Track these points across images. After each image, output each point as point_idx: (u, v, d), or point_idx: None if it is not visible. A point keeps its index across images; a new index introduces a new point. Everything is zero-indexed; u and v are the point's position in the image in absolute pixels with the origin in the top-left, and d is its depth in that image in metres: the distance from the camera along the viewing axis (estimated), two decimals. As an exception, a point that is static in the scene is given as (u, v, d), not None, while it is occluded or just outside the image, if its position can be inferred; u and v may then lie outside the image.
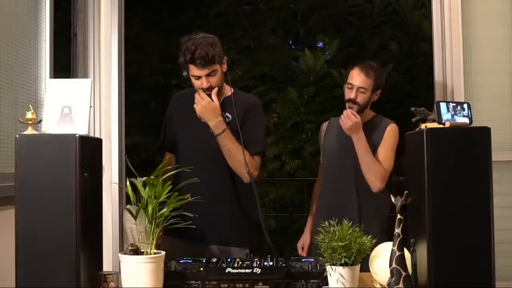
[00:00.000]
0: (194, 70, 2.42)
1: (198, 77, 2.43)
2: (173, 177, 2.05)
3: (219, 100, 2.48)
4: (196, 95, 2.46)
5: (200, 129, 2.49)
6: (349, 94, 2.75)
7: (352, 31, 7.46)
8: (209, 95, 2.44)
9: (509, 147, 2.91)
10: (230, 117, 2.50)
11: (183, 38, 2.47)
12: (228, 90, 2.58)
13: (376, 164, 2.67)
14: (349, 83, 2.77)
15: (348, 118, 2.68)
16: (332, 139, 2.89)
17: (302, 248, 2.99)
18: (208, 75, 2.42)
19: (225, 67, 2.50)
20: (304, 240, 2.97)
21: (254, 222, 2.53)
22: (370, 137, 2.75)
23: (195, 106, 2.45)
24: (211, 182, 2.41)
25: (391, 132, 2.77)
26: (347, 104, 2.77)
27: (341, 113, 2.83)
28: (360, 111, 2.75)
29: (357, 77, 2.75)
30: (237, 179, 2.47)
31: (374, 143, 2.76)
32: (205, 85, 2.43)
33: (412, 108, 1.88)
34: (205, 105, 2.43)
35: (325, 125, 2.99)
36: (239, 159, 2.41)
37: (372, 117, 2.86)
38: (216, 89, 2.44)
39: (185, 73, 2.49)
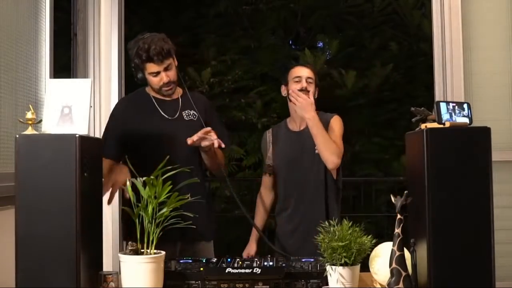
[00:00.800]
0: (151, 67, 2.46)
1: (156, 74, 2.47)
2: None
3: (177, 98, 2.57)
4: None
5: (169, 129, 2.50)
6: (299, 85, 2.78)
7: (352, 31, 7.46)
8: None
9: (509, 147, 2.91)
10: (197, 115, 2.54)
11: (130, 43, 2.53)
12: (180, 89, 2.62)
13: (331, 142, 2.65)
14: (296, 77, 2.81)
15: (299, 96, 2.70)
16: (282, 147, 2.85)
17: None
18: (166, 69, 2.47)
19: (176, 62, 2.54)
20: (250, 250, 2.91)
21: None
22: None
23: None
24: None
25: (335, 121, 2.80)
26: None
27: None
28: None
29: (302, 70, 2.84)
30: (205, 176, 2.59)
31: None
32: (165, 79, 2.47)
33: (412, 108, 1.88)
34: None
35: (269, 134, 2.94)
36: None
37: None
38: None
39: (140, 75, 2.52)
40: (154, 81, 2.49)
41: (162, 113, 2.53)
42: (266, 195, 2.95)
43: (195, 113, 2.55)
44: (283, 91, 2.90)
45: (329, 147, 2.65)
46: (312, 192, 2.74)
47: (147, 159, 2.25)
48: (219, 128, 2.53)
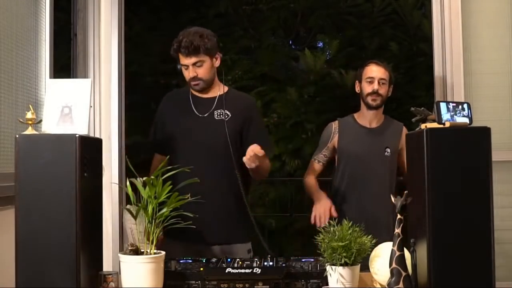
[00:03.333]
0: (182, 59, 2.50)
1: (187, 67, 2.50)
2: (171, 177, 2.04)
3: (214, 97, 2.54)
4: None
5: (198, 127, 2.51)
6: (371, 87, 2.84)
7: (352, 31, 7.46)
8: None
9: (509, 147, 2.91)
10: (230, 115, 2.51)
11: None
12: (223, 88, 2.60)
13: None
14: (368, 77, 2.86)
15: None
16: (352, 142, 2.90)
17: (318, 218, 2.77)
18: (194, 65, 2.48)
19: (217, 62, 2.54)
20: (325, 206, 2.79)
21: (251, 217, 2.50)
22: (389, 139, 2.86)
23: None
24: (213, 181, 2.42)
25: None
26: (370, 97, 2.85)
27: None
28: (382, 104, 2.88)
29: (376, 70, 2.87)
30: (236, 176, 2.45)
31: (394, 144, 2.86)
32: (191, 74, 2.49)
33: (412, 108, 1.88)
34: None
35: (335, 125, 2.98)
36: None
37: (385, 118, 2.95)
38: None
39: (178, 66, 2.55)
40: (185, 74, 2.53)
41: (194, 110, 2.55)
42: (312, 180, 2.95)
43: (228, 113, 2.52)
44: (357, 88, 2.96)
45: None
46: (376, 192, 2.79)
47: (178, 154, 2.39)
48: (256, 130, 2.54)
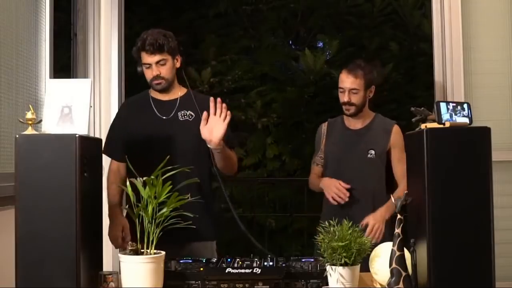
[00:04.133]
0: (145, 58, 2.50)
1: (149, 66, 2.50)
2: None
3: (175, 99, 2.57)
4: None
5: (163, 129, 2.51)
6: (343, 97, 2.79)
7: (352, 31, 7.45)
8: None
9: (509, 147, 2.91)
10: (194, 115, 2.53)
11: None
12: (182, 90, 2.62)
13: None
14: (340, 88, 2.81)
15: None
16: (335, 143, 2.88)
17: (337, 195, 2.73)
18: (158, 63, 2.49)
19: (178, 63, 2.56)
20: (333, 183, 2.75)
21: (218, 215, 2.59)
22: (375, 140, 2.80)
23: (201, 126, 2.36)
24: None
25: (397, 133, 2.81)
26: (344, 107, 2.81)
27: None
28: (358, 111, 2.81)
29: (346, 80, 2.80)
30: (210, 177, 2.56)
31: (381, 144, 2.80)
32: (154, 72, 2.50)
33: (412, 108, 1.88)
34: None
35: (324, 127, 2.96)
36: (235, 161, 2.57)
37: (374, 118, 2.89)
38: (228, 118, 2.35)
39: (139, 69, 2.56)
40: (147, 73, 2.53)
41: (157, 113, 2.55)
42: (314, 177, 2.93)
43: (192, 113, 2.55)
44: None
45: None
46: (358, 194, 2.74)
47: (142, 158, 2.29)
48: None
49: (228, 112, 2.34)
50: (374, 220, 2.68)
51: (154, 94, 2.60)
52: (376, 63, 3.05)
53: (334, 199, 2.72)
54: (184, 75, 2.60)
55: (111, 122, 2.89)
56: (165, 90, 2.56)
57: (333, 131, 2.92)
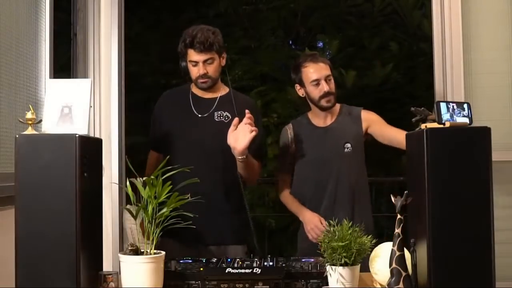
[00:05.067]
0: (192, 55, 2.46)
1: (196, 63, 2.47)
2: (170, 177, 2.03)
3: (215, 98, 2.53)
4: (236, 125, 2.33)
5: (197, 128, 2.50)
6: (319, 89, 2.64)
7: (352, 31, 7.45)
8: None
9: (509, 147, 2.91)
10: (230, 117, 2.49)
11: (186, 30, 2.51)
12: (224, 89, 2.59)
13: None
14: (313, 80, 2.65)
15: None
16: (307, 145, 2.71)
17: (314, 232, 2.62)
18: (205, 62, 2.46)
19: (223, 61, 2.53)
20: (314, 221, 2.63)
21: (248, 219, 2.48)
22: (349, 131, 2.68)
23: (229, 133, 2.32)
24: (210, 181, 2.41)
25: (367, 114, 2.72)
26: (324, 100, 2.65)
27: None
28: (336, 101, 2.70)
29: (317, 69, 2.65)
30: (235, 177, 2.45)
31: (355, 134, 2.68)
32: (201, 71, 2.46)
33: (412, 108, 1.87)
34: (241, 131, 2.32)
35: (289, 130, 2.77)
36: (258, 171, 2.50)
37: (340, 111, 2.76)
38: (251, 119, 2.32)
39: (183, 64, 2.52)
40: (193, 71, 2.49)
41: (194, 110, 2.53)
42: (288, 195, 2.76)
43: (229, 115, 2.50)
44: (300, 92, 2.76)
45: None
46: (343, 194, 2.63)
47: (172, 155, 2.29)
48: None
49: (255, 128, 2.29)
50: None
51: (196, 90, 2.57)
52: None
53: (312, 236, 2.62)
54: (227, 74, 2.57)
55: (111, 122, 2.90)
56: (209, 88, 2.53)
57: (300, 133, 2.74)
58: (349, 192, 2.67)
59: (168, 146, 2.51)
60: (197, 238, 2.40)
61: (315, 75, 2.66)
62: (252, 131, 2.28)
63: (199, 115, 2.53)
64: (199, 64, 2.46)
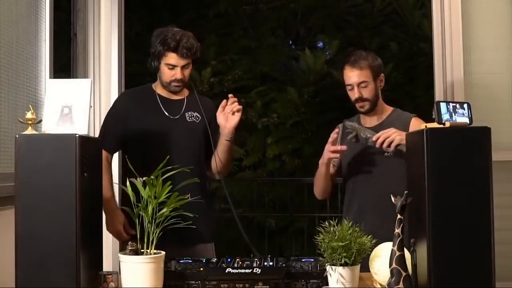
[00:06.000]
0: (172, 59, 2.44)
1: (173, 67, 2.46)
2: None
3: (182, 99, 2.58)
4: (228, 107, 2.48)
5: (171, 128, 2.49)
6: (353, 94, 2.56)
7: (352, 31, 7.47)
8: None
9: (509, 147, 2.91)
10: (200, 117, 2.54)
11: (157, 30, 2.51)
12: (187, 90, 2.61)
13: None
14: (348, 85, 2.57)
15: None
16: (350, 145, 2.56)
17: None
18: (183, 67, 2.47)
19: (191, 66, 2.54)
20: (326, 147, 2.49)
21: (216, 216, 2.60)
22: None
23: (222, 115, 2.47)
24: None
25: (418, 122, 2.52)
26: (357, 105, 2.58)
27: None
28: (373, 106, 2.57)
29: (351, 75, 2.55)
30: (206, 176, 2.60)
31: None
32: (179, 76, 2.47)
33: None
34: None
35: (341, 126, 2.66)
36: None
37: (391, 113, 2.65)
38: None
39: (154, 64, 2.49)
40: (168, 74, 2.47)
41: (165, 112, 2.52)
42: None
43: (198, 115, 2.55)
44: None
45: None
46: (375, 200, 2.49)
47: (146, 157, 2.32)
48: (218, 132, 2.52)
49: (240, 107, 2.50)
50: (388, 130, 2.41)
51: (161, 91, 2.55)
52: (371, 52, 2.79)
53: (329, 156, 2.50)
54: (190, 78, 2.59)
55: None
56: (180, 91, 2.55)
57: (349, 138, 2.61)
58: (383, 200, 2.49)
59: (138, 147, 2.47)
60: (177, 239, 2.32)
61: (349, 81, 2.58)
62: (239, 110, 2.48)
63: (171, 117, 2.52)
64: (177, 68, 2.46)
